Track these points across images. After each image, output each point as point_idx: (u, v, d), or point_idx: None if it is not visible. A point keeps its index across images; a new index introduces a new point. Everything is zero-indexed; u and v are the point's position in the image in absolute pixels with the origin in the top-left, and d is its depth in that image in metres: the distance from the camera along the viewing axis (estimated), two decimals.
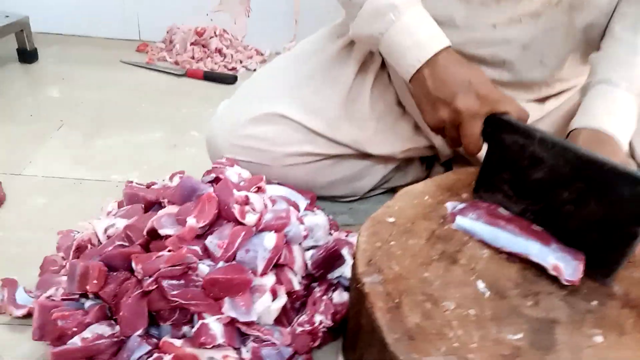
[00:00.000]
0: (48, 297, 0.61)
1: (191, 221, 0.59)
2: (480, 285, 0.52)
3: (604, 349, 0.46)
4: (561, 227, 0.56)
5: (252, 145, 0.80)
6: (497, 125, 0.64)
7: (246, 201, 0.61)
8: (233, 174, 0.71)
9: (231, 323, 0.55)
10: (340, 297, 0.62)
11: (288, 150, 0.80)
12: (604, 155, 0.54)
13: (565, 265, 0.53)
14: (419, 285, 0.51)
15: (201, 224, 0.59)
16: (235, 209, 0.59)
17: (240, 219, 0.59)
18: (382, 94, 0.84)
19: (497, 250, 0.56)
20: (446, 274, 0.53)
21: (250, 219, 0.59)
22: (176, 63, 1.56)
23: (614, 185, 0.51)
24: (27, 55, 1.46)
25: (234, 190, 0.61)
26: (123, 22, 1.68)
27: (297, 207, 0.70)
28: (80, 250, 0.69)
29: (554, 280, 0.53)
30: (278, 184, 0.81)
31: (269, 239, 0.58)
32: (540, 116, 0.83)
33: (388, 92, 0.84)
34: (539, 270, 0.54)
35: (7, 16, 1.42)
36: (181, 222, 0.60)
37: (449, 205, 0.63)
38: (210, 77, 1.48)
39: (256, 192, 0.68)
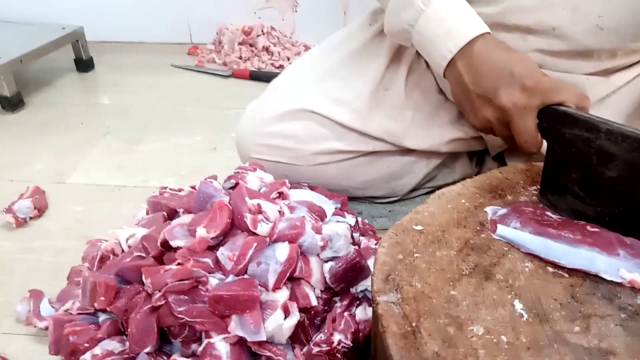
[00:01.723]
0: (66, 311, 0.60)
1: (201, 231, 0.55)
2: (518, 305, 0.44)
3: None
4: None
5: (279, 144, 0.76)
6: (554, 119, 0.55)
7: (259, 210, 0.56)
8: (254, 178, 0.66)
9: (240, 342, 0.50)
10: (364, 313, 0.56)
11: (316, 147, 0.75)
12: None
13: None
14: (444, 305, 0.44)
15: (212, 234, 0.55)
16: (248, 218, 0.55)
17: (252, 229, 0.55)
18: (419, 81, 0.76)
19: (543, 262, 0.48)
20: (477, 292, 0.45)
21: (263, 228, 0.55)
22: (224, 64, 1.55)
23: None
24: (83, 65, 1.51)
25: (246, 198, 0.56)
26: (174, 25, 1.70)
27: (322, 213, 0.65)
28: (103, 260, 0.68)
29: (611, 299, 0.44)
30: (308, 186, 0.76)
31: (282, 251, 0.53)
32: (607, 92, 0.71)
33: (426, 79, 0.76)
34: (593, 283, 0.45)
35: (64, 28, 1.47)
36: (193, 233, 0.57)
37: (489, 211, 0.55)
38: (257, 76, 1.46)
39: (278, 197, 0.64)
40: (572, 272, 0.47)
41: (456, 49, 0.58)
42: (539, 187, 0.58)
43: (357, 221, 0.70)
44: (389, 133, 0.76)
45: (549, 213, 0.53)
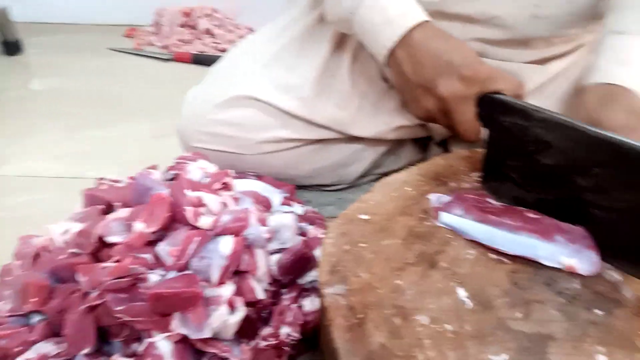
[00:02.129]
0: None
1: (139, 226, 0.52)
2: (462, 293, 0.44)
3: None
4: (585, 220, 0.48)
5: (222, 132, 0.73)
6: (491, 107, 0.55)
7: (201, 202, 0.54)
8: (196, 169, 0.64)
9: (183, 340, 0.48)
10: (312, 304, 0.55)
11: (261, 136, 0.73)
12: (616, 116, 0.46)
13: (580, 260, 0.46)
14: (390, 295, 0.44)
15: (151, 229, 0.53)
16: (188, 212, 0.53)
17: (193, 223, 0.53)
18: (364, 68, 0.76)
19: (486, 249, 0.49)
20: (423, 280, 0.46)
21: (205, 222, 0.53)
22: (164, 47, 1.49)
23: (636, 166, 0.43)
24: (10, 47, 1.41)
25: (186, 191, 0.54)
26: (109, 6, 1.61)
27: (269, 204, 0.63)
28: (37, 258, 0.63)
29: (551, 284, 0.45)
30: (255, 175, 0.74)
31: (225, 245, 0.51)
32: (543, 80, 0.73)
33: (370, 67, 0.76)
34: (534, 269, 0.46)
35: None
36: (131, 228, 0.54)
37: (433, 198, 0.56)
38: (199, 60, 1.41)
39: (221, 188, 0.62)
40: (514, 258, 0.48)
41: (396, 37, 0.58)
42: (482, 173, 0.58)
43: (305, 210, 0.69)
44: (336, 121, 0.75)
45: (491, 200, 0.54)
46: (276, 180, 0.73)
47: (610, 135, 0.45)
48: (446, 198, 0.54)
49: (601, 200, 0.47)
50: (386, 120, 0.77)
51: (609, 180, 0.46)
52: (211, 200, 0.55)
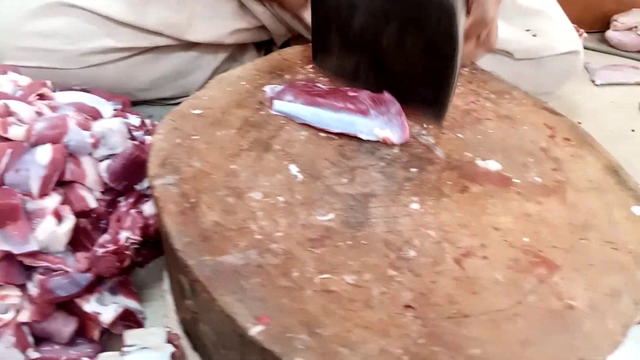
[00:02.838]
0: None
1: None
2: (294, 169, 0.46)
3: (421, 215, 0.43)
4: (392, 75, 0.52)
5: (38, 46, 0.65)
6: None
7: (9, 112, 0.48)
8: (5, 82, 0.57)
9: (8, 257, 0.45)
10: (152, 208, 0.54)
11: (84, 47, 0.67)
12: None
13: (392, 129, 0.49)
14: (224, 179, 0.44)
15: None
16: None
17: (2, 134, 0.47)
18: None
19: (316, 130, 0.51)
20: (257, 163, 0.46)
21: (16, 131, 0.48)
22: None
23: (422, 14, 0.47)
24: None
25: None
26: None
27: (97, 113, 0.59)
28: None
29: (373, 152, 0.49)
30: (82, 90, 0.68)
31: (43, 153, 0.47)
32: None
33: None
34: (360, 141, 0.49)
35: None
36: None
37: (268, 89, 0.56)
38: None
39: (38, 99, 0.56)
40: (341, 135, 0.50)
41: None
42: (312, 49, 0.60)
43: (142, 122, 0.65)
44: (169, 26, 0.71)
45: (319, 84, 0.56)
46: (108, 94, 0.68)
47: None
48: (279, 87, 0.55)
49: (399, 55, 0.51)
50: (224, 24, 0.75)
51: (403, 31, 0.49)
52: (22, 109, 0.49)
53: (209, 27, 0.74)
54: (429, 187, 0.45)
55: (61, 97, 0.59)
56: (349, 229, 0.41)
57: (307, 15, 0.58)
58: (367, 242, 0.40)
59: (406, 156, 0.49)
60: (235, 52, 0.82)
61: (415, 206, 0.43)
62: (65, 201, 0.48)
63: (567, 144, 0.53)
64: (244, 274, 0.36)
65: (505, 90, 0.61)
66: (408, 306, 0.36)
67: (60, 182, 0.49)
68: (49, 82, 0.59)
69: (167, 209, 0.40)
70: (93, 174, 0.50)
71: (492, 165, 0.49)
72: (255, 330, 0.33)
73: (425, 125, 0.53)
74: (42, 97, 0.57)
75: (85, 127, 0.50)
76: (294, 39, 0.83)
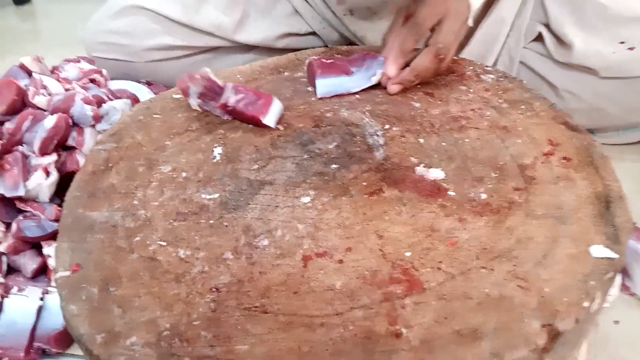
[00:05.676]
0: None
1: None
2: (217, 151, 0.46)
3: (304, 209, 0.39)
4: None
5: (114, 41, 0.78)
6: None
7: (41, 84, 0.59)
8: (72, 68, 0.69)
9: (1, 199, 0.54)
10: None
11: (147, 43, 0.77)
12: None
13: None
14: (151, 152, 0.47)
15: None
16: (30, 92, 0.58)
17: (31, 100, 0.58)
18: None
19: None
20: (191, 142, 0.48)
21: (39, 100, 0.58)
22: None
23: None
24: None
25: (34, 74, 0.59)
26: None
27: (136, 99, 0.67)
28: None
29: (306, 145, 0.46)
30: (147, 83, 0.78)
31: (50, 120, 0.56)
32: None
33: None
34: (298, 134, 0.47)
35: None
36: None
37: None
38: None
39: (91, 82, 0.67)
40: (287, 126, 0.49)
41: None
42: None
43: None
44: (218, 26, 0.76)
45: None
46: (165, 87, 0.77)
47: None
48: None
49: None
50: (272, 27, 0.78)
51: None
52: (51, 84, 0.60)
53: (258, 29, 0.78)
54: (335, 185, 0.41)
55: (113, 84, 0.70)
56: (222, 210, 0.40)
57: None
58: (228, 224, 0.38)
59: (339, 153, 0.45)
60: None
61: (305, 200, 0.40)
62: (66, 163, 0.57)
63: (561, 164, 0.43)
64: (96, 229, 0.38)
65: (526, 99, 0.52)
66: (216, 289, 0.33)
67: (64, 146, 0.58)
68: (104, 71, 0.70)
69: (84, 169, 0.45)
70: (91, 143, 0.58)
71: (434, 173, 0.42)
72: (59, 275, 0.34)
73: (386, 127, 0.48)
74: (93, 81, 0.67)
75: (89, 103, 0.58)
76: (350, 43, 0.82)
